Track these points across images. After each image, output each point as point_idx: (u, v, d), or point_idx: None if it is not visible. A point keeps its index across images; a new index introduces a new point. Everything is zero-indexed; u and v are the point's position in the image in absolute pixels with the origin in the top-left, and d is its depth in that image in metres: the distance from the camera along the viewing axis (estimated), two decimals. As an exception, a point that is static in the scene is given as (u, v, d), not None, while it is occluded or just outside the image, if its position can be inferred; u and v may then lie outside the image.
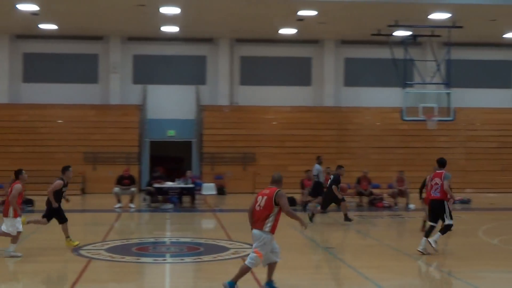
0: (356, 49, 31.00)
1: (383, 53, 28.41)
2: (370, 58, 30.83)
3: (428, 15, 24.32)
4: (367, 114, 30.63)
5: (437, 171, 13.95)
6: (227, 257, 13.02)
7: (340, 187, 19.07)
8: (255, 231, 9.72)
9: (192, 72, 31.05)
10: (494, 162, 29.88)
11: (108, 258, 12.77)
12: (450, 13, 24.09)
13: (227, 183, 28.81)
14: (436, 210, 13.46)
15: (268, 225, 9.69)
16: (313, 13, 24.52)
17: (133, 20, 26.66)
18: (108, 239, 15.17)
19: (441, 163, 14.10)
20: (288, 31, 28.37)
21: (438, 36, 26.65)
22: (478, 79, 31.27)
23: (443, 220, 13.51)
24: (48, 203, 13.77)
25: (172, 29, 28.30)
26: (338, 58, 31.06)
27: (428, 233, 13.38)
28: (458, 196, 25.58)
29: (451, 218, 13.42)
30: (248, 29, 28.46)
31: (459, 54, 29.09)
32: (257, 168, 29.27)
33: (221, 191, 28.24)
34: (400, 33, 26.48)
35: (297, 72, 31.20)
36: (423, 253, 13.07)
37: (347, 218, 18.59)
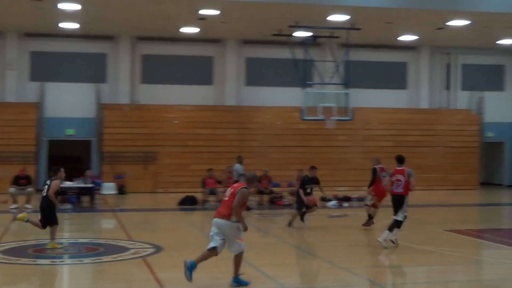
0: (258, 49, 31.28)
1: (284, 53, 28.81)
2: (271, 58, 31.17)
3: (327, 17, 24.80)
4: (268, 113, 30.95)
5: (398, 168, 14.67)
6: (127, 257, 12.86)
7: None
8: (220, 220, 10.20)
9: (92, 69, 30.47)
10: (390, 160, 30.70)
11: (3, 261, 12.37)
12: (348, 15, 24.66)
13: (128, 182, 28.46)
14: (399, 204, 14.32)
15: (233, 216, 10.19)
16: (215, 12, 24.55)
17: (30, 16, 25.90)
18: (3, 241, 14.71)
19: (400, 160, 14.85)
20: (190, 30, 28.29)
21: (337, 37, 27.26)
22: (375, 80, 32.17)
23: (395, 214, 14.37)
24: (46, 207, 13.68)
25: (72, 25, 27.67)
26: (239, 57, 31.24)
27: (394, 226, 14.27)
28: (355, 194, 26.28)
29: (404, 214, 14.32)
30: (149, 27, 28.20)
31: (357, 55, 29.84)
32: (158, 168, 29.08)
33: (121, 190, 27.89)
34: (300, 33, 26.93)
35: (199, 71, 31.17)
36: (384, 246, 14.01)
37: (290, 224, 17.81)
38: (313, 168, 17.95)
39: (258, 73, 31.40)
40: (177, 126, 30.10)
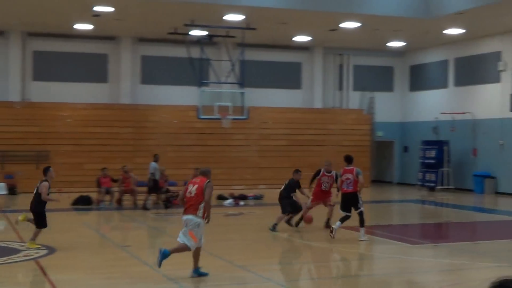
0: (153, 47, 31.04)
1: (180, 51, 28.76)
2: (167, 56, 31.01)
3: (223, 16, 24.93)
4: (164, 112, 30.77)
5: (347, 168, 15.64)
6: (18, 259, 12.50)
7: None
8: (188, 216, 10.72)
9: (-21, 66, 29.34)
10: (285, 159, 31.33)
11: None
12: (244, 15, 24.87)
13: (18, 182, 27.62)
14: (349, 201, 15.36)
15: (200, 211, 10.70)
16: (109, 9, 24.18)
17: None
18: None
19: (349, 159, 15.90)
20: (84, 26, 27.73)
21: (233, 37, 27.44)
22: (270, 79, 32.58)
23: (357, 209, 15.39)
24: (35, 206, 13.87)
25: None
26: (134, 55, 30.89)
27: (343, 220, 15.30)
28: (251, 192, 26.57)
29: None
30: (41, 23, 27.44)
31: (253, 55, 30.15)
32: (51, 167, 28.28)
33: (12, 190, 27.05)
34: (196, 32, 26.93)
35: (93, 69, 30.60)
36: (333, 237, 15.03)
37: (289, 223, 17.30)
38: (298, 171, 17.30)
39: (153, 72, 31.16)
40: (70, 124, 29.44)
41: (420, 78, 33.65)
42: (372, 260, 14.01)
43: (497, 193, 27.92)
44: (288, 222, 17.19)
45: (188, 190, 10.87)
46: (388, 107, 34.50)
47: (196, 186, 10.83)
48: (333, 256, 14.01)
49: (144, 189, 22.86)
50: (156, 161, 22.57)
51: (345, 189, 15.50)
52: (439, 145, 30.48)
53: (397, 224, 20.50)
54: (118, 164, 25.77)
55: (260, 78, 31.78)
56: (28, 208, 14.16)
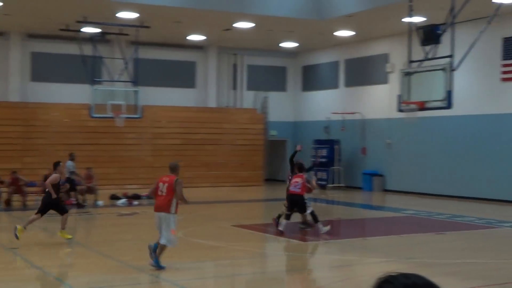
0: (44, 43, 30.15)
1: (71, 49, 28.12)
2: (59, 53, 30.22)
3: (116, 13, 24.56)
4: (54, 110, 29.95)
5: (299, 174, 16.28)
6: None
7: None
8: (162, 214, 11.57)
9: None
10: (179, 158, 31.14)
11: None
12: (137, 13, 24.60)
13: None
14: (295, 202, 16.13)
15: (173, 207, 11.58)
16: (-3, 3, 23.34)
17: None
18: None
19: (300, 168, 16.53)
20: (-31, 21, 26.63)
21: (127, 34, 27.09)
22: (164, 78, 32.36)
23: (304, 211, 16.26)
24: (45, 198, 14.60)
25: None
26: (24, 52, 29.92)
27: (287, 216, 16.20)
28: (145, 192, 26.33)
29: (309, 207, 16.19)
30: None
31: (146, 54, 29.86)
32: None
33: None
34: (89, 29, 26.41)
35: (-21, 65, 29.41)
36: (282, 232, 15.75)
37: None
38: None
39: (44, 69, 30.28)
40: (-46, 123, 28.18)
41: (312, 79, 34.36)
42: (265, 258, 14.21)
43: (385, 190, 28.89)
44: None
45: (160, 189, 11.64)
46: (281, 107, 35.03)
47: (166, 184, 11.59)
48: (228, 255, 14.11)
49: (35, 189, 22.30)
50: (72, 159, 22.21)
51: (292, 190, 16.23)
52: (330, 144, 31.24)
53: (290, 222, 20.84)
54: (6, 164, 24.89)
55: (154, 77, 31.52)
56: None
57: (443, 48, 15.91)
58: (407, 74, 16.50)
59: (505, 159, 23.70)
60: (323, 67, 33.67)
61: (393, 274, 2.08)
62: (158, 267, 11.62)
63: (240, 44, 32.32)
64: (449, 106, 15.35)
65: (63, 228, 14.69)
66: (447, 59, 15.38)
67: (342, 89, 32.26)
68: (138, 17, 25.07)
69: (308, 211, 16.28)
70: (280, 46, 32.60)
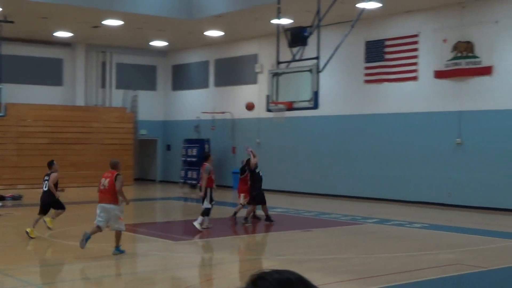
0: None
1: None
2: None
3: (-23, 7, 23.51)
4: None
5: (203, 163, 17.67)
6: None
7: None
8: (108, 205, 13.02)
9: None
10: (46, 158, 30.17)
11: None
12: (0, 7, 23.65)
13: None
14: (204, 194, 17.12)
15: (120, 199, 13.20)
16: None
17: None
18: None
19: (205, 157, 18.40)
20: None
21: (-11, 29, 25.96)
22: (30, 75, 31.27)
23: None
24: (46, 198, 15.50)
25: None
26: None
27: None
28: (9, 193, 25.39)
29: (210, 203, 17.03)
30: None
31: (10, 50, 28.71)
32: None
33: None
34: None
35: None
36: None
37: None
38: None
39: None
40: None
41: (183, 78, 34.34)
42: (136, 258, 14.09)
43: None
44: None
45: (102, 183, 13.10)
46: (151, 106, 34.77)
47: (108, 179, 13.09)
48: (97, 256, 13.86)
49: None
50: None
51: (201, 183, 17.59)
52: (201, 143, 31.35)
53: (160, 222, 20.77)
54: None
55: (19, 74, 30.41)
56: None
57: (310, 50, 16.36)
58: (275, 74, 16.82)
59: (369, 158, 24.71)
60: (193, 66, 33.72)
61: (266, 270, 2.14)
62: (120, 251, 13.12)
63: (109, 41, 31.78)
64: (315, 106, 15.78)
65: (52, 217, 16.21)
66: (314, 61, 15.81)
67: (212, 89, 32.45)
68: (1, 12, 24.09)
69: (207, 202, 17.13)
70: (150, 45, 32.35)
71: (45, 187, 15.82)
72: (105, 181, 13.12)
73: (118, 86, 33.86)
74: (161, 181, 34.75)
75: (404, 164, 23.58)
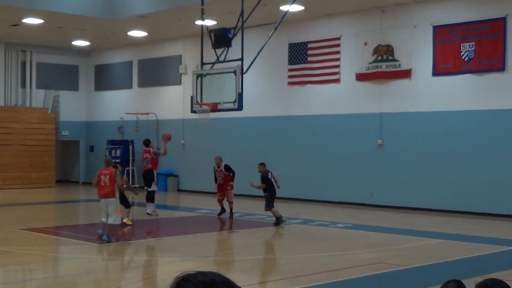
0: None
1: None
2: None
3: None
4: None
5: (146, 149, 19.52)
6: None
7: None
8: (107, 199, 14.69)
9: None
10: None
11: None
12: None
13: None
14: (147, 177, 19.31)
15: (116, 193, 14.82)
16: None
17: None
18: None
19: (146, 143, 19.95)
20: None
21: None
22: None
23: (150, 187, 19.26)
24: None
25: None
26: None
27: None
28: None
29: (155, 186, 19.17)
30: None
31: None
32: None
33: None
34: None
35: None
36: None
37: None
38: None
39: None
40: None
41: (106, 78, 33.88)
42: (58, 261, 13.85)
43: (179, 190, 29.23)
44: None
45: (102, 181, 14.66)
46: (74, 106, 34.16)
47: (108, 176, 14.62)
48: (18, 259, 13.55)
49: None
50: None
51: (145, 166, 19.44)
52: (124, 144, 31.01)
53: (83, 224, 20.43)
54: None
55: None
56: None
57: (234, 51, 16.45)
58: (200, 75, 16.85)
59: (293, 159, 24.98)
60: (116, 66, 33.33)
61: (191, 272, 2.16)
62: (109, 240, 14.61)
63: (29, 40, 31.06)
64: (240, 108, 15.89)
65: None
66: (238, 62, 15.92)
67: (135, 89, 32.15)
68: None
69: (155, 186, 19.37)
70: (72, 44, 31.79)
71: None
72: (105, 178, 14.68)
73: (39, 86, 33.12)
74: (84, 183, 34.17)
75: (327, 165, 23.95)
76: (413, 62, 21.62)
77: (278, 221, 17.86)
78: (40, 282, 11.73)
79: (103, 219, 14.78)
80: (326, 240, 16.04)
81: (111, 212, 14.68)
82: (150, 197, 19.42)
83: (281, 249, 14.75)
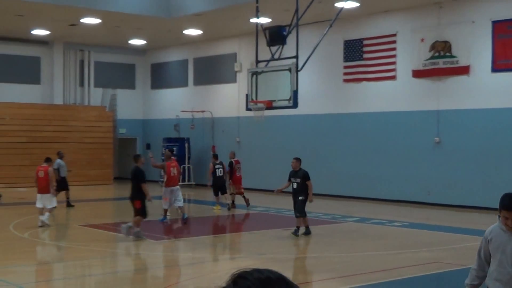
0: None
1: None
2: None
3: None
4: None
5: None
6: None
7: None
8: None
9: None
10: (24, 157, 30.09)
11: None
12: (-23, 5, 23.46)
13: None
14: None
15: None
16: None
17: None
18: None
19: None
20: None
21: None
22: (7, 74, 30.99)
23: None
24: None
25: None
26: None
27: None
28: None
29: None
30: None
31: (-13, 48, 28.57)
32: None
33: None
34: None
35: None
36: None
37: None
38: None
39: None
40: None
41: (161, 76, 34.23)
42: (116, 258, 14.06)
43: (234, 187, 29.30)
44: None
45: (172, 172, 17.35)
46: (130, 104, 34.63)
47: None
48: (77, 255, 13.81)
49: None
50: (61, 157, 22.17)
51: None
52: (180, 142, 31.29)
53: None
54: None
55: (-5, 72, 30.18)
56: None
57: (289, 49, 16.41)
58: (255, 73, 16.86)
59: (348, 157, 24.81)
60: (172, 65, 33.64)
61: (247, 269, 2.16)
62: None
63: (88, 40, 31.60)
64: (295, 105, 15.84)
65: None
66: (293, 60, 15.87)
67: (191, 87, 32.40)
68: (-21, 10, 23.89)
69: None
70: (129, 43, 32.22)
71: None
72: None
73: (97, 85, 33.68)
74: (140, 180, 34.57)
75: (383, 163, 23.71)
76: (471, 58, 21.22)
77: (309, 230, 15.96)
78: (99, 277, 11.93)
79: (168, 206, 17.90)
80: (382, 238, 15.89)
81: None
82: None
83: (336, 247, 14.67)
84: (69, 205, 21.86)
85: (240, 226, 18.55)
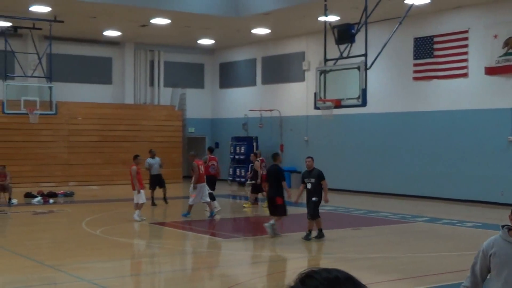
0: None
1: (-18, 43, 27.26)
2: (-32, 48, 29.21)
3: (29, 7, 23.94)
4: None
5: (210, 156, 21.48)
6: None
7: None
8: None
9: None
10: (96, 155, 30.77)
11: None
12: (50, 7, 24.05)
13: None
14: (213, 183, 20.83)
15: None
16: None
17: None
18: None
19: (211, 149, 22.19)
20: None
21: (40, 29, 26.41)
22: (80, 74, 31.75)
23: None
24: None
25: None
26: None
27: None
28: (61, 190, 25.85)
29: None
30: None
31: (61, 49, 29.26)
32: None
33: None
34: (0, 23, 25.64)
35: None
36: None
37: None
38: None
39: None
40: None
41: (230, 76, 34.44)
42: (185, 255, 14.20)
43: (302, 186, 29.22)
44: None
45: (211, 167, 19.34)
46: (199, 104, 34.96)
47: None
48: (147, 252, 14.02)
49: None
50: (153, 156, 23.65)
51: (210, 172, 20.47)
52: (248, 141, 31.40)
53: (209, 219, 20.86)
54: None
55: (69, 73, 30.92)
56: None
57: (358, 47, 16.25)
58: (323, 72, 16.76)
59: (417, 156, 24.42)
60: (240, 64, 33.80)
61: (315, 269, 2.14)
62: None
63: (157, 40, 32.07)
64: (363, 104, 15.67)
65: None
66: (361, 58, 15.71)
67: (259, 87, 32.48)
68: (51, 11, 24.51)
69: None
70: (198, 43, 32.53)
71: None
72: (201, 168, 19.18)
73: (166, 84, 34.14)
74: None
75: (455, 162, 23.24)
76: (547, 55, 20.57)
77: (322, 233, 15.22)
78: (168, 275, 12.07)
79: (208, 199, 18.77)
80: (454, 239, 15.57)
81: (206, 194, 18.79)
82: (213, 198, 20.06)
83: (406, 247, 14.45)
84: (165, 201, 23.05)
85: (306, 226, 18.44)
